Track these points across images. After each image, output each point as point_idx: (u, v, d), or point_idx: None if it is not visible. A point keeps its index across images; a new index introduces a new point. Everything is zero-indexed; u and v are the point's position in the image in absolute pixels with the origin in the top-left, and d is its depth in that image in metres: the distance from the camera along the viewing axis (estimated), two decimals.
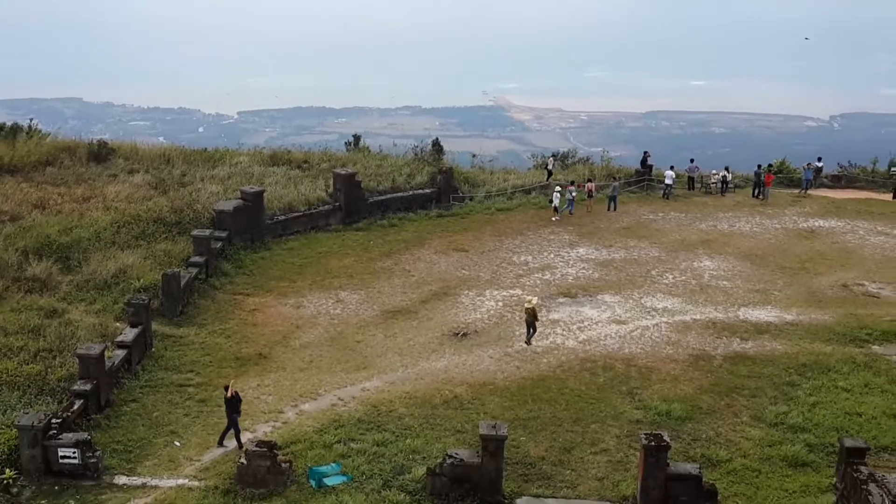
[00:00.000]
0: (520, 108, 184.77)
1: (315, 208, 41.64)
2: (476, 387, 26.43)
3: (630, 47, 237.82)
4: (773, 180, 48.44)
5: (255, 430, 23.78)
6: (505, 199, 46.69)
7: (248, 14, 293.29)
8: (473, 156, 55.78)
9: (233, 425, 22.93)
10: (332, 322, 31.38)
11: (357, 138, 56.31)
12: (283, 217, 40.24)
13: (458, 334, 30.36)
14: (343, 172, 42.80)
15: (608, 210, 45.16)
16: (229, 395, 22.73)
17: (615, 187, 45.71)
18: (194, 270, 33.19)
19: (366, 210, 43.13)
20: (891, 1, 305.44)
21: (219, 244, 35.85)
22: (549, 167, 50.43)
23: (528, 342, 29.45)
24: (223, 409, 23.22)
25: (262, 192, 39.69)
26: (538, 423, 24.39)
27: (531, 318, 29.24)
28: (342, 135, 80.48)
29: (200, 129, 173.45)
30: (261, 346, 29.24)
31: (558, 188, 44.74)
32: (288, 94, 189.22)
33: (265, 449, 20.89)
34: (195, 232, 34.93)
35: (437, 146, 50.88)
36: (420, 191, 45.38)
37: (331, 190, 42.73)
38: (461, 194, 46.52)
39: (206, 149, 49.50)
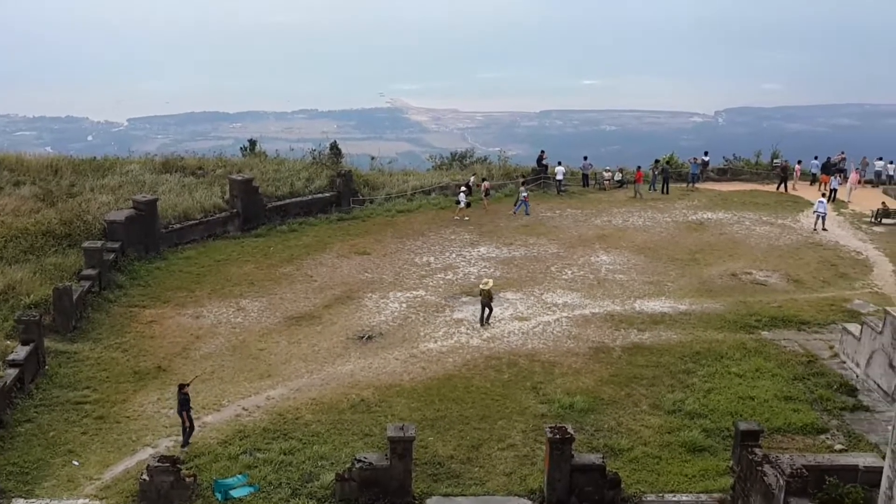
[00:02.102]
0: (417, 110, 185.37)
1: (212, 215, 40.83)
2: (383, 389, 26.43)
3: (522, 48, 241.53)
4: (644, 177, 49.95)
5: (156, 445, 23.17)
6: (405, 200, 46.81)
7: (130, 17, 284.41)
8: (372, 158, 55.68)
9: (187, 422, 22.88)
10: (233, 331, 30.83)
11: (253, 143, 55.48)
12: (178, 225, 39.29)
13: (362, 338, 30.27)
14: (239, 178, 42.10)
15: (515, 213, 45.43)
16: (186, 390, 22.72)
17: (522, 191, 46.15)
18: (87, 284, 32.06)
19: (264, 216, 42.54)
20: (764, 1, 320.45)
21: (111, 256, 34.73)
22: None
23: (484, 323, 30.94)
24: (122, 425, 22.54)
25: (156, 200, 38.67)
26: (446, 423, 24.56)
27: (486, 300, 30.75)
28: (238, 140, 79.01)
29: (89, 138, 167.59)
30: (160, 358, 28.47)
31: (463, 188, 45.20)
32: (180, 99, 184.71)
33: (168, 464, 20.36)
34: (86, 244, 33.77)
35: (335, 149, 50.63)
36: (319, 195, 45.05)
37: (227, 196, 41.98)
38: (361, 197, 46.40)
39: (95, 158, 47.87)
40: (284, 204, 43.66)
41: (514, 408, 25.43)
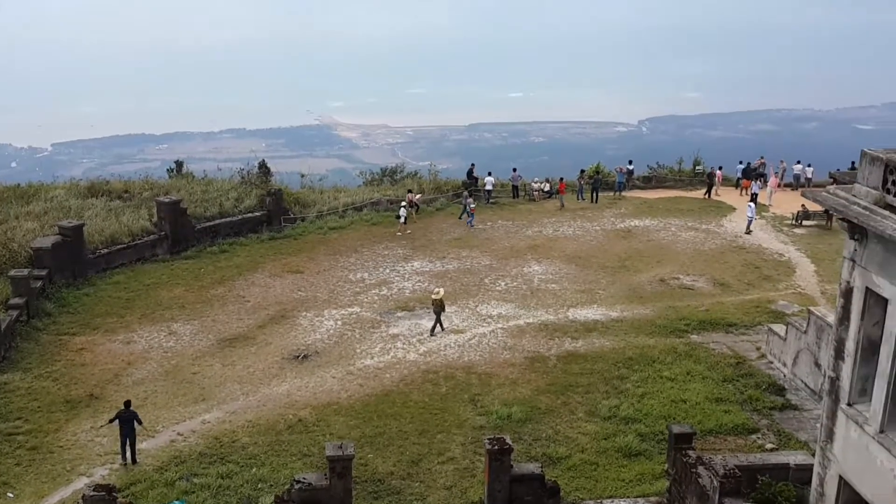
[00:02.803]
0: (346, 126, 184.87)
1: (140, 239, 40.07)
2: (320, 408, 26.26)
3: (450, 63, 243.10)
4: (566, 188, 50.74)
5: (91, 474, 22.62)
6: (337, 217, 46.66)
7: (53, 40, 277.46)
8: (302, 176, 55.31)
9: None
10: (165, 355, 30.28)
11: (179, 164, 54.62)
12: (106, 250, 38.46)
13: (298, 357, 30.05)
14: (167, 200, 41.44)
15: (470, 224, 45.69)
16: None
17: (469, 203, 46.58)
18: (14, 313, 31.15)
19: (194, 237, 41.93)
20: (682, 9, 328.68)
21: (39, 283, 33.80)
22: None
23: (433, 332, 31.58)
24: (56, 455, 21.99)
25: (82, 225, 37.82)
26: (385, 439, 24.52)
27: (438, 309, 31.41)
28: (164, 161, 77.72)
29: (13, 164, 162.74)
30: (91, 386, 27.79)
31: (404, 203, 45.41)
32: (105, 122, 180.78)
33: (103, 493, 19.85)
34: (12, 272, 32.90)
35: (263, 168, 50.13)
36: (249, 214, 44.60)
37: (155, 219, 41.26)
38: (292, 215, 46.08)
39: (19, 184, 46.73)
40: (214, 225, 43.11)
41: (452, 421, 25.52)
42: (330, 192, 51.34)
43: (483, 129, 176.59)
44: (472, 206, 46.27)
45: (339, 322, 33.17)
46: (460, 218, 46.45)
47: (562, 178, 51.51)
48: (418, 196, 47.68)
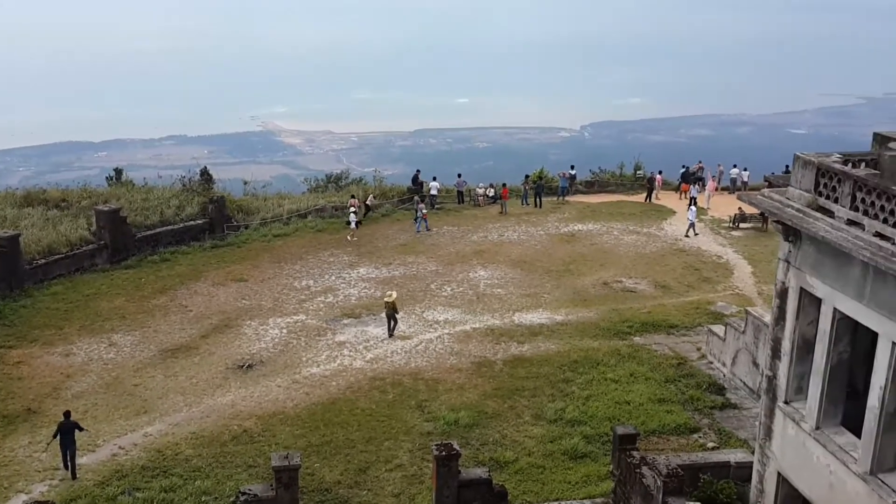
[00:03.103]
0: (290, 133, 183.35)
1: (78, 249, 39.27)
2: (266, 418, 26.03)
3: (394, 70, 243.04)
4: (510, 193, 51.16)
5: (30, 491, 22.09)
6: (281, 224, 46.32)
7: None
8: (245, 182, 54.84)
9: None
10: (105, 367, 29.71)
11: (119, 172, 53.76)
12: (43, 261, 37.60)
13: (243, 366, 29.74)
14: (106, 209, 40.68)
15: (418, 230, 45.82)
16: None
17: (421, 209, 46.68)
18: None
19: (134, 246, 41.25)
20: (619, 19, 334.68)
21: None
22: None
23: (392, 333, 32.00)
24: None
25: (18, 235, 36.94)
26: (332, 448, 24.40)
27: (391, 311, 31.83)
28: (104, 169, 76.18)
29: None
30: (29, 400, 27.14)
31: (353, 209, 45.42)
32: (42, 130, 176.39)
33: None
34: None
35: (205, 175, 49.52)
36: (191, 222, 44.03)
37: (94, 228, 40.48)
38: (235, 223, 45.62)
39: None
40: (155, 233, 42.45)
41: (399, 428, 25.51)
42: (274, 198, 50.98)
43: (428, 135, 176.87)
44: (424, 211, 46.47)
45: (285, 330, 32.92)
46: (417, 231, 46.20)
47: (504, 184, 51.87)
48: (370, 198, 47.90)
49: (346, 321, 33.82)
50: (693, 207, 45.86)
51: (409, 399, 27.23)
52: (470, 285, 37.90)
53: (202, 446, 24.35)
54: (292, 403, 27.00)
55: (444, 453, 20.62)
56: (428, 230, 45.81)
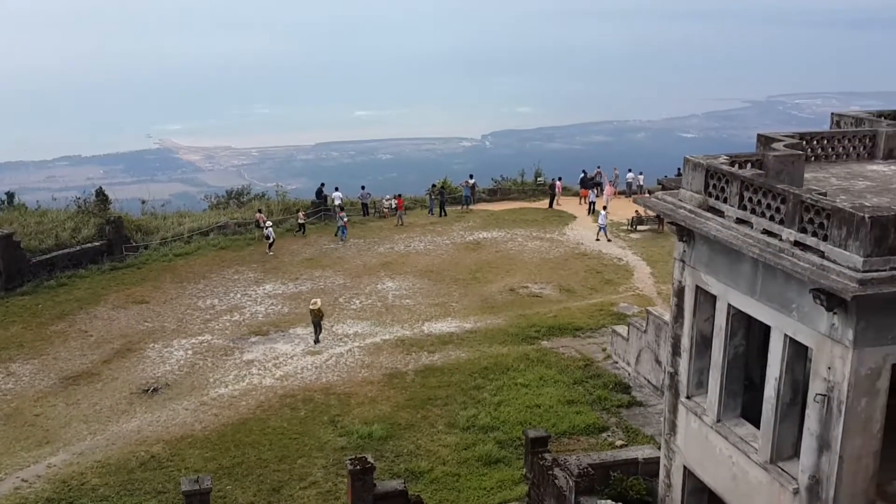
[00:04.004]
0: (188, 149, 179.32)
1: None
2: (174, 442, 25.44)
3: (290, 84, 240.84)
4: (416, 204, 51.53)
5: None
6: (182, 243, 45.36)
7: None
8: (143, 202, 53.48)
9: None
10: (4, 398, 28.52)
11: (11, 196, 51.64)
12: None
13: (148, 390, 29.00)
14: None
15: (342, 239, 46.26)
16: None
17: (341, 217, 47.17)
18: None
19: (29, 272, 39.75)
20: (509, 30, 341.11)
21: None
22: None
23: (316, 341, 32.39)
24: None
25: None
26: (243, 469, 24.02)
27: (317, 319, 32.29)
28: None
29: None
30: None
31: (269, 223, 45.28)
32: None
33: None
34: None
35: (101, 196, 48.07)
36: (88, 245, 42.69)
37: None
38: (135, 243, 44.44)
39: None
40: (51, 257, 40.98)
41: (313, 444, 25.30)
42: (174, 217, 49.90)
43: (330, 148, 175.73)
44: (346, 219, 46.89)
45: (190, 351, 32.24)
46: (336, 235, 46.85)
47: (399, 195, 52.10)
48: (301, 214, 48.19)
49: (253, 339, 33.35)
50: (603, 212, 46.74)
51: (321, 415, 27.04)
52: (378, 297, 37.88)
53: (109, 475, 23.64)
54: (201, 426, 26.46)
55: (358, 467, 20.56)
56: (342, 239, 46.12)
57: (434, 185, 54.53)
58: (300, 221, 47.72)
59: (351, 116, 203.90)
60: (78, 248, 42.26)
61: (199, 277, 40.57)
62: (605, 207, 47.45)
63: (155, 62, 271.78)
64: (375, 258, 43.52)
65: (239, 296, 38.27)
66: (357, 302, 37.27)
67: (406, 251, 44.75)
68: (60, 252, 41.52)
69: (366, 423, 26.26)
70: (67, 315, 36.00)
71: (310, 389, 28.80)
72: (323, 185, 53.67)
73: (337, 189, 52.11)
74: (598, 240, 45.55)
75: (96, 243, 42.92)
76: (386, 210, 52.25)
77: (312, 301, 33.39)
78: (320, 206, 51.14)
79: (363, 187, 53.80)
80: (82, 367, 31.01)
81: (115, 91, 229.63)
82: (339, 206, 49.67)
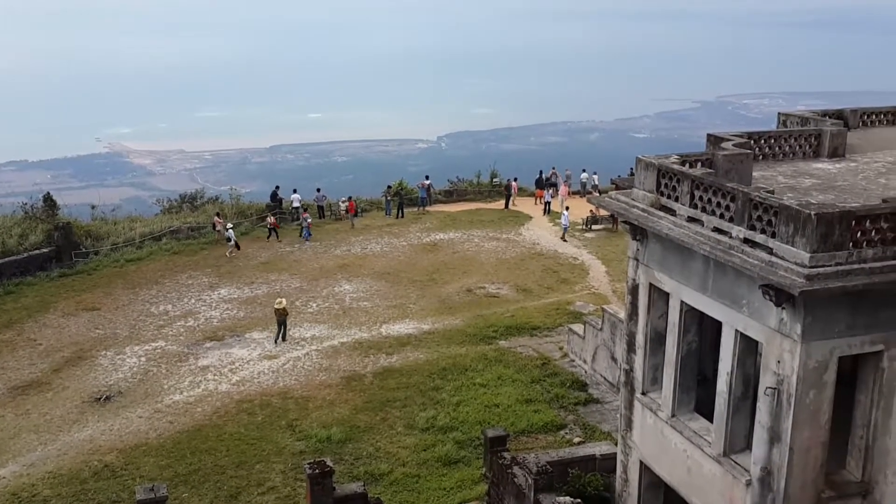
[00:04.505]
0: (139, 153, 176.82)
1: None
2: (128, 451, 25.08)
3: (242, 87, 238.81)
4: (356, 207, 51.37)
5: None
6: (134, 248, 44.71)
7: None
8: (93, 207, 52.52)
9: None
10: None
11: None
12: None
13: (100, 399, 28.54)
14: None
15: (306, 240, 46.49)
16: None
17: (305, 218, 47.35)
18: None
19: None
20: (463, 32, 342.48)
21: None
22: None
23: (280, 339, 32.68)
24: None
25: None
26: (200, 476, 23.77)
27: (282, 318, 32.57)
28: None
29: None
30: None
31: (230, 226, 45.22)
32: None
33: None
34: None
35: (49, 201, 47.14)
36: (36, 251, 41.85)
37: None
38: (85, 249, 43.68)
39: None
40: None
41: (270, 449, 25.12)
42: (125, 222, 49.16)
43: (285, 151, 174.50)
44: (309, 220, 47.08)
45: (143, 358, 31.80)
46: (300, 236, 47.00)
47: (350, 197, 51.93)
48: (272, 219, 47.88)
49: (208, 345, 33.00)
50: (566, 212, 46.89)
51: (278, 419, 26.85)
52: (336, 300, 37.72)
53: (61, 485, 23.22)
54: (156, 433, 26.12)
55: (317, 471, 20.46)
56: (307, 240, 46.37)
57: (390, 187, 54.47)
58: (270, 226, 47.34)
59: (306, 118, 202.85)
60: (25, 254, 41.42)
61: (151, 283, 40.02)
62: (567, 208, 47.67)
63: (103, 64, 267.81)
64: (332, 261, 43.34)
65: (193, 301, 37.83)
66: (314, 305, 37.07)
67: (363, 253, 44.63)
68: (7, 259, 40.66)
69: (324, 426, 26.14)
70: (15, 323, 35.29)
71: (267, 394, 28.58)
72: (278, 187, 53.32)
73: (295, 191, 51.86)
74: (564, 240, 45.84)
75: (45, 250, 42.11)
76: (342, 213, 52.04)
77: (277, 300, 33.57)
78: (276, 210, 50.76)
79: (318, 190, 53.51)
80: (31, 376, 30.41)
81: (62, 94, 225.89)
82: (303, 207, 49.67)
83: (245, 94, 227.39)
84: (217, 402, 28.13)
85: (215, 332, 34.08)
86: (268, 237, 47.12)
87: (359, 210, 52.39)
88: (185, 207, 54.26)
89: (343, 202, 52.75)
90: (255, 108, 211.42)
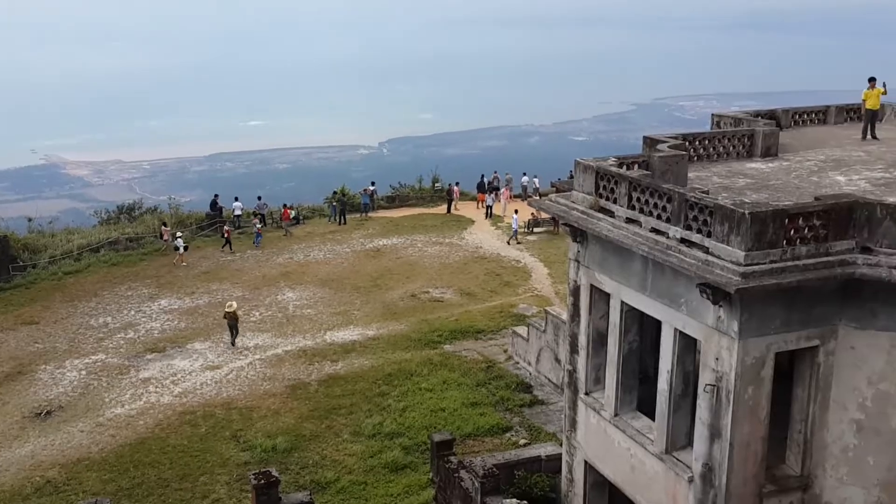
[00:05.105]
0: (76, 164, 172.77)
1: None
2: (70, 466, 24.57)
3: (178, 95, 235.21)
4: (291, 214, 51.14)
5: None
6: (72, 260, 43.80)
7: None
8: (30, 220, 51.36)
9: None
10: None
11: None
12: None
13: (40, 414, 27.91)
14: None
15: (256, 245, 46.71)
16: None
17: (255, 224, 47.92)
18: None
19: None
20: (404, 37, 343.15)
21: None
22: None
23: (234, 343, 32.80)
24: None
25: None
26: (144, 490, 23.39)
27: (233, 322, 32.78)
28: None
29: None
30: None
31: (180, 234, 44.79)
32: None
33: None
34: None
35: None
36: None
37: None
38: (21, 263, 42.66)
39: None
40: None
41: (215, 461, 24.83)
42: (62, 234, 48.20)
43: (225, 159, 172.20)
44: (259, 226, 47.43)
45: (84, 372, 31.18)
46: (253, 243, 46.97)
47: (285, 205, 51.56)
48: (227, 228, 47.54)
49: (149, 356, 32.49)
50: (515, 216, 47.12)
51: (222, 430, 26.55)
52: (279, 308, 37.44)
53: (2, 502, 22.64)
54: (98, 447, 25.64)
55: (262, 481, 20.30)
56: (257, 244, 46.62)
57: (335, 193, 54.28)
58: (226, 236, 46.60)
59: (245, 126, 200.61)
60: None
61: (90, 295, 39.26)
62: (516, 211, 47.93)
63: (37, 75, 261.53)
64: (274, 269, 43.00)
65: (133, 312, 37.21)
66: (257, 314, 36.73)
67: (306, 260, 44.37)
68: None
69: (269, 436, 25.93)
70: None
71: (210, 405, 28.24)
72: (217, 196, 52.72)
73: (236, 199, 51.40)
74: (518, 242, 46.14)
75: None
76: (283, 222, 51.62)
77: (228, 304, 33.65)
78: (215, 218, 50.18)
79: (259, 198, 53.08)
80: None
81: None
82: (255, 214, 49.56)
83: (183, 103, 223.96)
84: (159, 414, 27.71)
85: (156, 344, 33.57)
86: (222, 247, 46.29)
87: (300, 217, 52.08)
88: (124, 218, 53.44)
89: (287, 208, 52.25)
90: (193, 116, 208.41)
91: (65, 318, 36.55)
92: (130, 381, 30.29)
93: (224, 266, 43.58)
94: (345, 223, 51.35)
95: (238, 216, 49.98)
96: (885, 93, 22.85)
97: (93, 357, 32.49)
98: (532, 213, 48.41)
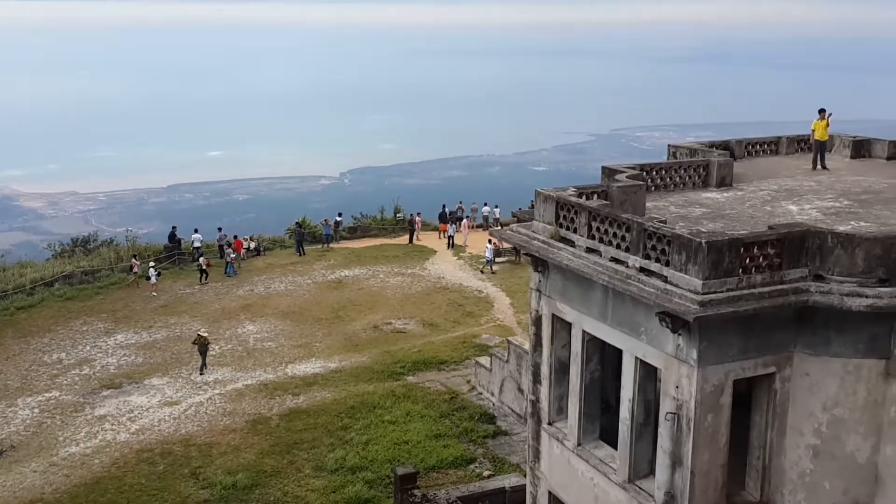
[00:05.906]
0: (29, 196, 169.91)
1: None
2: None
3: (134, 126, 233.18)
4: (242, 245, 50.73)
5: None
6: (25, 295, 42.94)
7: None
8: None
9: None
10: None
11: None
12: None
13: None
14: None
15: (228, 274, 46.40)
16: None
17: (229, 254, 47.70)
18: None
19: None
20: (364, 68, 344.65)
21: None
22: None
23: (203, 367, 33.16)
24: None
25: None
26: None
27: (203, 347, 33.01)
28: None
29: None
30: None
31: (153, 264, 45.03)
32: None
33: None
34: None
35: None
36: None
37: None
38: None
39: None
40: None
41: (173, 500, 24.36)
42: (14, 268, 47.32)
43: (183, 190, 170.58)
44: (232, 256, 47.13)
45: (37, 409, 30.46)
46: (225, 272, 46.66)
47: (236, 236, 50.95)
48: (204, 259, 46.97)
49: (105, 393, 31.86)
50: (489, 245, 47.12)
51: (181, 468, 26.06)
52: (239, 341, 37.01)
53: None
54: (51, 488, 25.00)
55: None
56: (229, 274, 46.47)
57: (298, 224, 53.99)
58: (203, 267, 46.09)
59: (204, 157, 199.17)
60: None
61: (43, 331, 38.49)
62: (490, 241, 47.74)
63: None
64: (235, 301, 42.54)
65: (88, 348, 36.53)
66: (216, 347, 36.23)
67: (266, 293, 43.97)
68: None
69: (229, 472, 25.50)
70: None
71: (168, 442, 27.72)
72: (175, 228, 52.17)
73: (196, 231, 50.78)
74: (494, 273, 46.18)
75: None
76: (243, 251, 51.14)
77: (198, 329, 34.49)
78: (174, 251, 49.60)
79: (220, 229, 52.62)
80: None
81: None
82: (227, 243, 49.49)
83: (140, 134, 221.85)
84: (116, 452, 27.13)
85: (112, 380, 32.95)
86: (199, 279, 45.72)
87: (261, 249, 51.70)
88: (79, 251, 52.65)
89: (245, 240, 51.68)
90: (151, 147, 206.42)
91: (17, 355, 35.76)
92: (85, 419, 29.65)
93: (182, 299, 43.02)
94: (304, 254, 51.05)
95: (198, 248, 49.37)
96: (828, 124, 23.32)
97: (46, 394, 31.79)
98: (494, 243, 48.51)
